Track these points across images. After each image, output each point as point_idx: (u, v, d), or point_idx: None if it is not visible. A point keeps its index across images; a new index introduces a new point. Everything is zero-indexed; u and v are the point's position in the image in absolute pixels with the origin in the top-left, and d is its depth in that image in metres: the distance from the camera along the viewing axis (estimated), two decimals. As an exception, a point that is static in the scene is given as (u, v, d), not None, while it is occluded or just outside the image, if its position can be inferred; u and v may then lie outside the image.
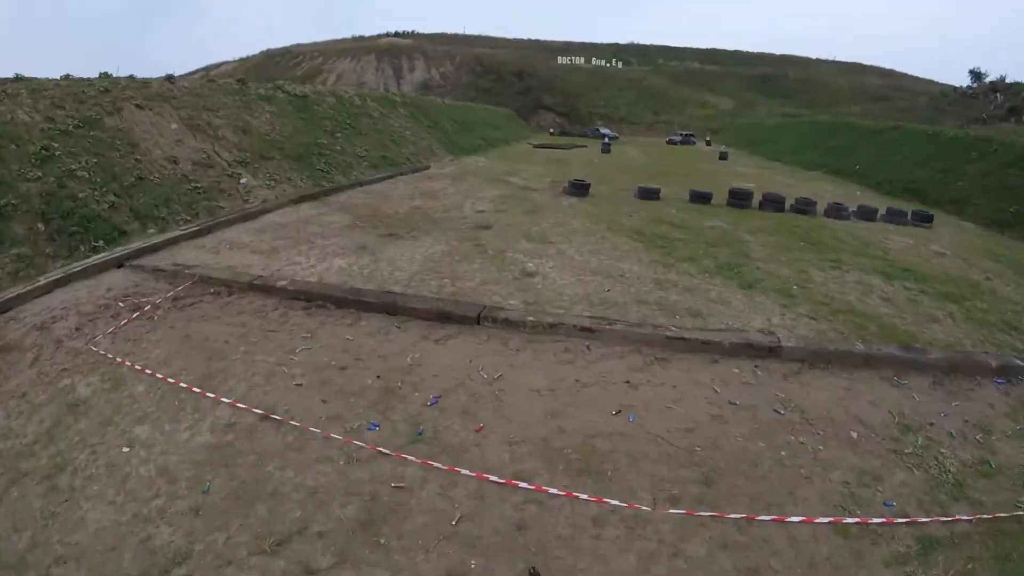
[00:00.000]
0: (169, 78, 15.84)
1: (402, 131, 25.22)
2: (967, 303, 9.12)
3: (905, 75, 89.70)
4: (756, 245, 11.96)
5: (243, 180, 13.75)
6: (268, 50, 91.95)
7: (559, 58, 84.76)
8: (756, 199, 16.86)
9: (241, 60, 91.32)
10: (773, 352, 6.75)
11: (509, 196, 16.55)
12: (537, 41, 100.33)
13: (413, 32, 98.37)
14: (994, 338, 7.79)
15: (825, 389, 6.16)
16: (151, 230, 10.39)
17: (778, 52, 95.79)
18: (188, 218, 11.40)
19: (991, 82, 51.23)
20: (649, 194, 16.80)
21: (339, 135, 19.77)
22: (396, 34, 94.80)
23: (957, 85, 56.33)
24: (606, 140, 42.05)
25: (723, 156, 35.38)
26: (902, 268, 10.89)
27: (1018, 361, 6.80)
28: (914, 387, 6.30)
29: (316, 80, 66.31)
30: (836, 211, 16.23)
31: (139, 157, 11.85)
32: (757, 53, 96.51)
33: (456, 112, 36.97)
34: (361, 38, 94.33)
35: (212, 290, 8.20)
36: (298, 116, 18.91)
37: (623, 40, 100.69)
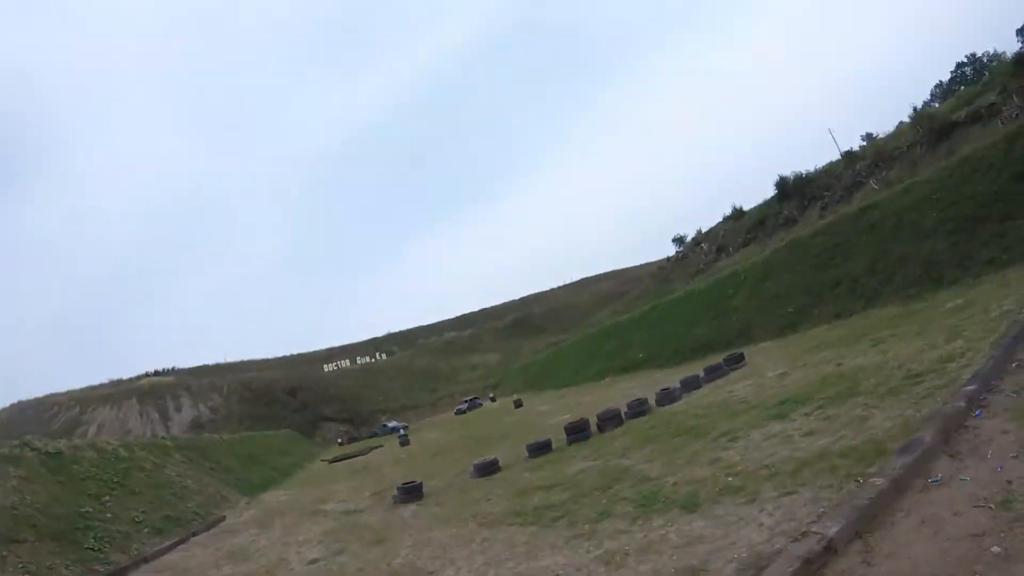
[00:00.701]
0: None
1: (182, 480, 20.88)
2: (860, 387, 8.82)
3: (627, 268, 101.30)
4: (642, 465, 9.73)
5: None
6: (19, 401, 78.67)
7: (325, 366, 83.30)
8: (592, 424, 15.11)
9: (-12, 413, 76.65)
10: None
11: (338, 529, 13.11)
12: (301, 355, 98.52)
13: (174, 369, 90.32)
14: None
15: None
16: None
17: (518, 297, 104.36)
18: None
19: (692, 239, 59.34)
20: (487, 469, 14.14)
21: (108, 498, 15.51)
22: (156, 373, 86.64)
23: (671, 254, 64.43)
24: (401, 432, 39.95)
25: (518, 404, 34.89)
26: (777, 404, 10.03)
27: None
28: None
29: (76, 433, 56.43)
30: (667, 396, 15.34)
31: None
32: (501, 304, 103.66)
33: (237, 446, 32.74)
34: (119, 381, 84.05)
35: None
36: (54, 479, 14.78)
37: (380, 333, 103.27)
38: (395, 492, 14.41)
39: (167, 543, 14.56)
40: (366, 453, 34.98)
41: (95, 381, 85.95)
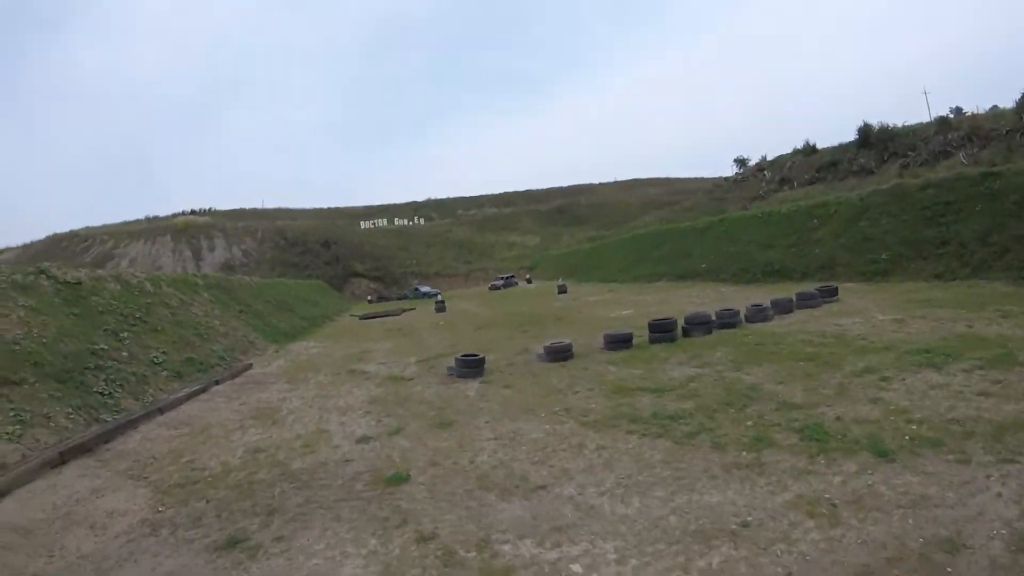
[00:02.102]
0: None
1: (209, 321, 19.64)
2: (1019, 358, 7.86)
3: (679, 179, 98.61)
4: (773, 386, 8.54)
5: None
6: (54, 234, 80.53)
7: (362, 223, 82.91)
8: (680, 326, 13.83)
9: (25, 246, 78.42)
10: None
11: (386, 398, 11.14)
12: (337, 209, 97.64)
13: (210, 209, 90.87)
14: None
15: None
16: None
17: (566, 184, 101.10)
18: None
19: (756, 164, 56.45)
20: (560, 354, 12.80)
21: (126, 335, 14.09)
22: (192, 212, 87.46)
23: (727, 175, 61.47)
24: (438, 298, 39.54)
25: (562, 290, 33.78)
26: (920, 352, 8.99)
27: None
28: None
29: (106, 267, 56.86)
30: (759, 313, 14.22)
31: None
32: (546, 189, 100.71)
33: (268, 291, 31.89)
34: (155, 218, 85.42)
35: None
36: (68, 312, 13.34)
37: (420, 198, 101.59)
38: (450, 363, 12.98)
39: (185, 390, 13.01)
40: (398, 314, 34.27)
41: (130, 217, 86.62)
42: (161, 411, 11.35)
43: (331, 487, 6.76)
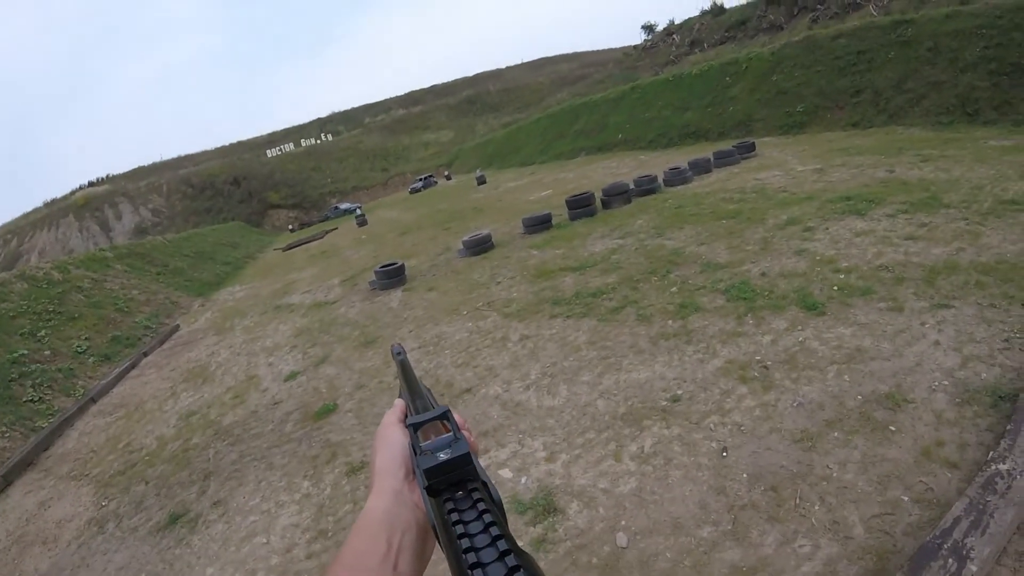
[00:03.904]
0: None
1: (127, 293, 18.67)
2: (942, 200, 7.76)
3: (588, 52, 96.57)
4: (696, 247, 8.46)
5: None
6: None
7: (268, 152, 78.82)
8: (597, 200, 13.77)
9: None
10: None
11: (311, 327, 10.91)
12: (241, 142, 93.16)
13: (108, 176, 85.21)
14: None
15: None
16: None
17: (471, 73, 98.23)
18: None
19: (664, 29, 55.64)
20: (479, 246, 12.42)
21: (43, 333, 13.34)
22: (91, 184, 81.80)
23: (636, 43, 60.11)
24: (358, 212, 38.15)
25: (481, 180, 33.12)
26: (842, 199, 8.93)
27: None
28: None
29: (18, 266, 53.77)
30: (678, 176, 14.03)
31: None
32: (453, 81, 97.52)
33: (184, 245, 30.29)
34: (54, 201, 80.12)
35: None
36: None
37: (324, 113, 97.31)
38: (371, 277, 12.63)
39: (115, 371, 12.35)
40: (321, 237, 33.24)
41: (29, 207, 79.98)
42: (94, 400, 10.86)
43: (263, 435, 6.61)
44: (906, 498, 3.16)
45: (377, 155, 73.45)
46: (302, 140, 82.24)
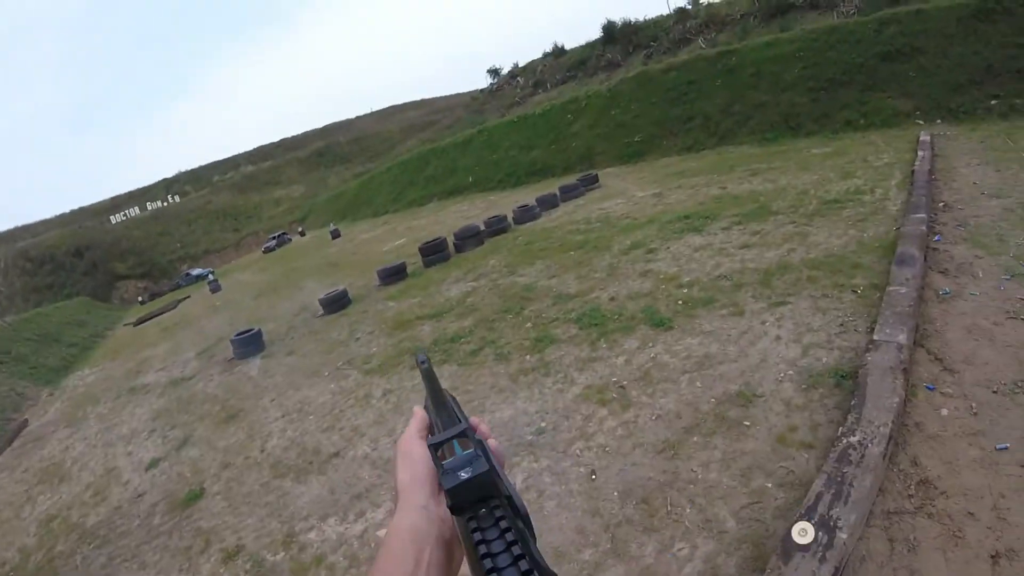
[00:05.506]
0: None
1: None
2: (772, 207, 8.46)
3: (436, 97, 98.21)
4: (547, 281, 8.68)
5: None
6: None
7: (112, 217, 73.51)
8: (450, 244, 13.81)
9: None
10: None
11: (170, 408, 10.16)
12: (83, 208, 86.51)
13: None
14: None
15: None
16: None
17: (321, 125, 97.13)
18: None
19: (509, 72, 57.97)
20: (335, 304, 12.18)
21: None
22: None
23: (483, 87, 61.91)
24: (210, 277, 36.25)
25: (335, 234, 32.54)
26: (681, 219, 9.57)
27: None
28: None
29: None
30: (526, 213, 14.45)
31: None
32: (303, 134, 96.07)
33: (25, 328, 27.32)
34: None
35: None
36: None
37: (170, 173, 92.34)
38: (231, 347, 11.87)
39: None
40: (174, 308, 31.21)
41: None
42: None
43: (130, 532, 6.05)
44: (770, 484, 3.31)
45: (228, 215, 70.46)
46: (148, 203, 77.49)
